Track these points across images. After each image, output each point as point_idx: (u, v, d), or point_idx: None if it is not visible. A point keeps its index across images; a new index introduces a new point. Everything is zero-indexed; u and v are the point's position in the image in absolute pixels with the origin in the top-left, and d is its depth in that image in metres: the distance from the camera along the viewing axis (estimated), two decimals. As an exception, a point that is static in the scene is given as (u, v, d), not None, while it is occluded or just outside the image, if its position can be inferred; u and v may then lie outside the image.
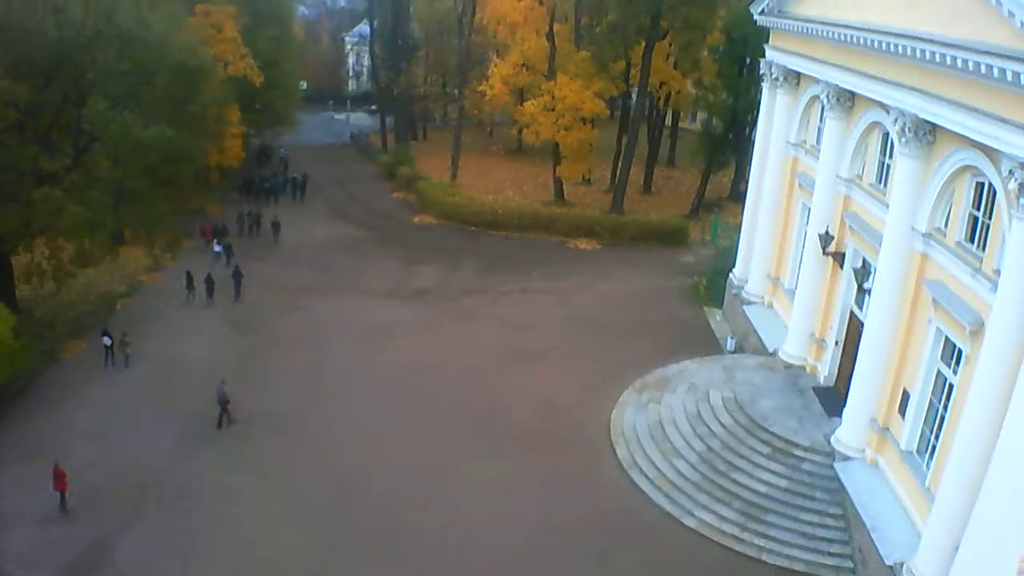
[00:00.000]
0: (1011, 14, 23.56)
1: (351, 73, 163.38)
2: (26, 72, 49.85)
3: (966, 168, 29.79)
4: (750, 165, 57.59)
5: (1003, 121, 25.23)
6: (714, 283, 62.56)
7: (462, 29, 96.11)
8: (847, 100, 39.83)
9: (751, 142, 72.76)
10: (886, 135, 36.75)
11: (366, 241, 76.68)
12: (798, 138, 49.29)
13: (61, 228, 49.31)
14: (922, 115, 31.03)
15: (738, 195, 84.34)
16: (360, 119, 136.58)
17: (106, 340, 50.23)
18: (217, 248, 70.80)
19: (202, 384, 45.86)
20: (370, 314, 59.04)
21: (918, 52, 29.86)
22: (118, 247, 59.28)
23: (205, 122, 65.47)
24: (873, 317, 35.43)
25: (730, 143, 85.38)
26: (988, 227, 29.03)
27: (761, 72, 53.58)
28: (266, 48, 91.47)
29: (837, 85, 40.08)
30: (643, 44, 78.52)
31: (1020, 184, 24.42)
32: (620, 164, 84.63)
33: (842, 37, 38.21)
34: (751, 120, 78.29)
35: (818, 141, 45.62)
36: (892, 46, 32.21)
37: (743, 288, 55.78)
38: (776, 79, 50.41)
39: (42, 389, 47.40)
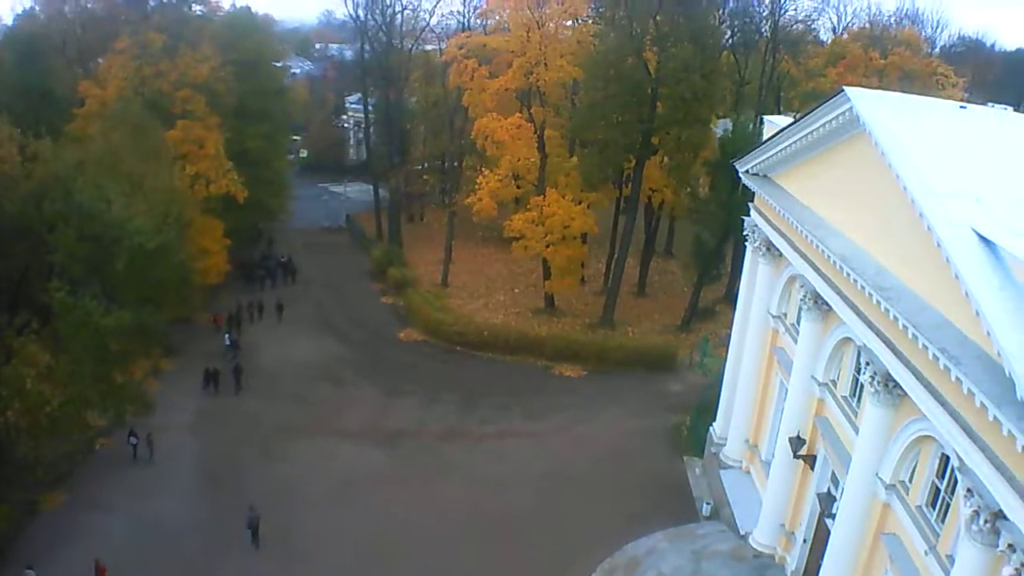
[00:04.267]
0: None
1: (352, 140, 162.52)
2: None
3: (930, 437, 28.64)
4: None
5: (955, 419, 24.61)
6: (697, 425, 61.00)
7: (452, 132, 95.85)
8: (824, 304, 38.47)
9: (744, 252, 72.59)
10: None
11: (348, 365, 75.01)
12: (779, 310, 48.00)
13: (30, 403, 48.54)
14: (889, 369, 29.94)
15: (733, 298, 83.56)
16: (358, 192, 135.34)
17: None
18: (227, 341, 73.89)
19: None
20: (342, 464, 57.67)
21: (882, 307, 28.96)
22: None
23: (171, 290, 64.57)
24: (837, 538, 34.23)
25: (723, 256, 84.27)
26: (948, 505, 27.90)
27: (744, 232, 52.53)
28: (255, 147, 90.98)
29: (813, 288, 38.93)
30: (633, 161, 77.95)
31: (974, 511, 23.36)
32: (612, 274, 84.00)
33: (812, 243, 37.28)
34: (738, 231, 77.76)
35: (798, 321, 44.22)
36: (856, 283, 31.33)
37: (721, 449, 54.36)
38: (758, 246, 49.31)
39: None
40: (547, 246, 79.35)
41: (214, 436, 61.42)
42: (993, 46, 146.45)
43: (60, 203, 50.69)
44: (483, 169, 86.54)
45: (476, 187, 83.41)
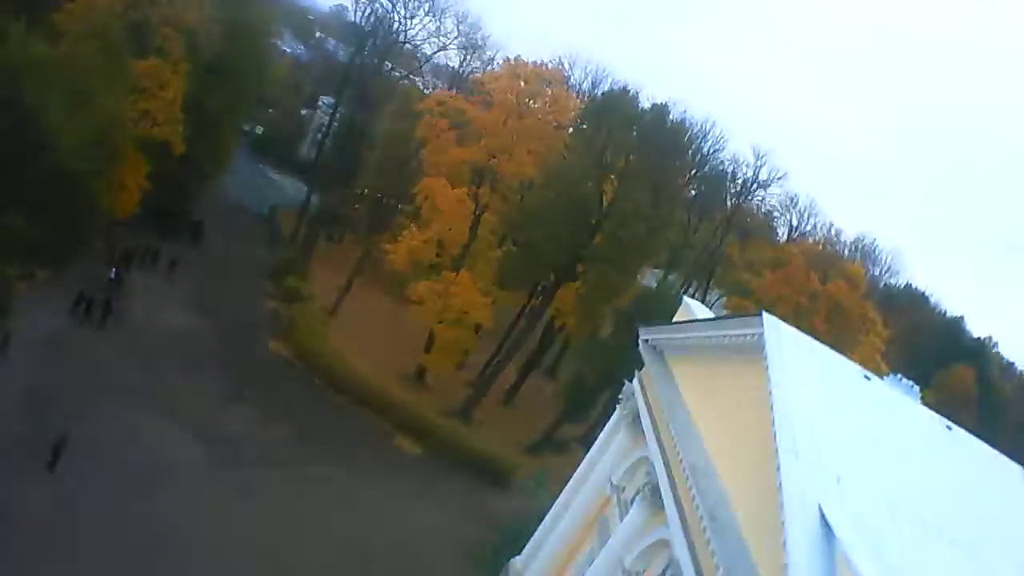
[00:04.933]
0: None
1: (309, 139, 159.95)
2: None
3: None
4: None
5: None
6: (501, 550, 59.88)
7: (401, 177, 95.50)
8: (658, 499, 37.85)
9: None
10: None
11: (208, 354, 73.46)
12: (620, 481, 47.42)
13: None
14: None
15: (590, 443, 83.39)
16: (293, 188, 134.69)
17: None
18: (112, 275, 74.52)
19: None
20: (164, 447, 56.47)
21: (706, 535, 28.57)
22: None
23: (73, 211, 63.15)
24: None
25: (596, 402, 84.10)
26: None
27: (619, 396, 52.17)
28: (218, 101, 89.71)
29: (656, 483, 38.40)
30: (553, 278, 77.88)
31: None
32: (487, 371, 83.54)
33: (673, 440, 36.96)
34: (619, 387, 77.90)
35: (632, 500, 43.61)
36: (693, 500, 30.94)
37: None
38: (626, 414, 48.92)
39: None
40: (439, 322, 79.09)
41: (55, 362, 60.11)
42: (935, 307, 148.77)
43: (4, 91, 49.56)
44: (412, 224, 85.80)
45: (399, 238, 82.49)
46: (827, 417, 29.51)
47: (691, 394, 40.49)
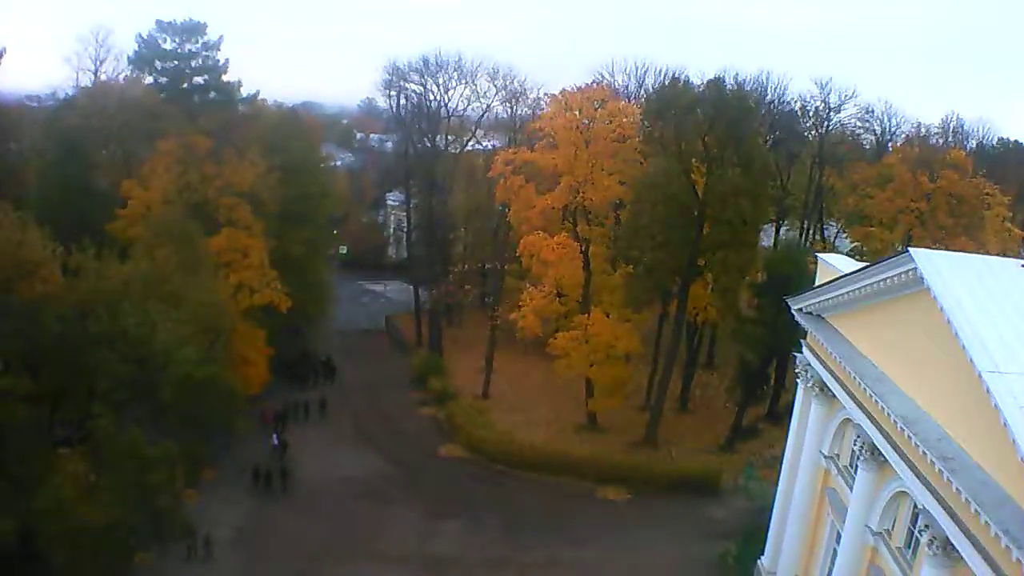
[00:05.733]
0: None
1: (391, 238, 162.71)
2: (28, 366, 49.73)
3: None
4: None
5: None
6: (744, 554, 59.85)
7: (496, 244, 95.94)
8: (881, 457, 37.81)
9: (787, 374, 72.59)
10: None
11: (389, 482, 74.58)
12: (831, 451, 47.31)
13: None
14: (949, 536, 29.42)
15: (776, 416, 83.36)
16: (397, 291, 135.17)
17: None
18: (275, 441, 75.75)
19: None
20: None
21: (944, 477, 28.62)
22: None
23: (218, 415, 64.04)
24: None
25: (767, 377, 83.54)
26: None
27: (796, 370, 52.13)
28: (299, 243, 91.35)
29: (871, 440, 38.37)
30: (679, 283, 77.70)
31: None
32: (655, 392, 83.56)
33: (872, 399, 36.88)
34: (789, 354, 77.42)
35: (852, 463, 43.51)
36: (918, 449, 31.00)
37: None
38: (810, 386, 48.84)
39: None
40: (591, 365, 79.09)
41: (253, 554, 61.05)
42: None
43: (105, 324, 50.64)
44: (526, 283, 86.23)
45: (520, 303, 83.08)
46: (1007, 319, 29.42)
47: (866, 345, 40.48)
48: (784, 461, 53.88)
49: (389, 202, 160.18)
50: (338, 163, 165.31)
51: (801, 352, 51.15)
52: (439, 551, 63.18)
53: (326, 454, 78.21)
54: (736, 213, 72.00)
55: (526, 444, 79.68)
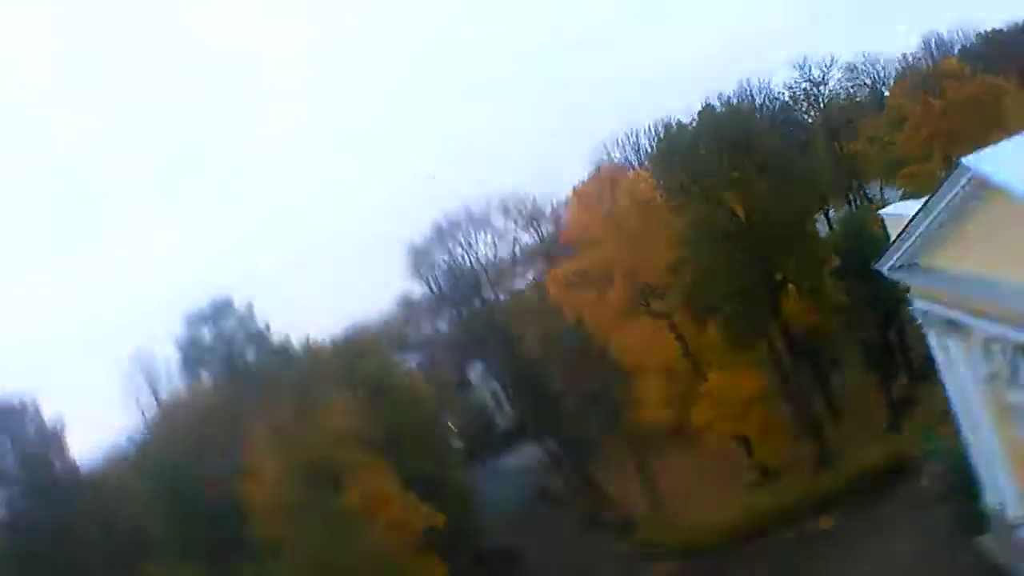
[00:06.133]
0: None
1: (492, 408, 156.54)
2: None
3: None
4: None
5: None
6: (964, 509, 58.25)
7: (592, 364, 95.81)
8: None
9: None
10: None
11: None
12: (989, 372, 46.82)
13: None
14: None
15: (920, 376, 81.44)
16: (524, 458, 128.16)
17: None
18: None
19: None
20: None
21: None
22: None
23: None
24: None
25: (892, 348, 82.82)
26: None
27: (917, 320, 52.11)
28: (418, 461, 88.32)
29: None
30: (767, 305, 77.65)
31: None
32: (801, 420, 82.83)
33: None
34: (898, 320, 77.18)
35: (1013, 372, 43.30)
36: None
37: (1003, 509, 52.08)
38: (938, 328, 48.76)
39: None
40: (738, 424, 79.05)
41: None
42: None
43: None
44: (639, 379, 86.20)
45: (641, 403, 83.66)
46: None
47: (970, 262, 40.59)
48: (954, 408, 53.24)
49: (472, 378, 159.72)
50: (410, 365, 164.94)
51: (912, 304, 51.18)
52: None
53: None
54: (782, 219, 72.72)
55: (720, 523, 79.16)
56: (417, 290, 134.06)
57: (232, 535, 73.68)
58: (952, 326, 47.00)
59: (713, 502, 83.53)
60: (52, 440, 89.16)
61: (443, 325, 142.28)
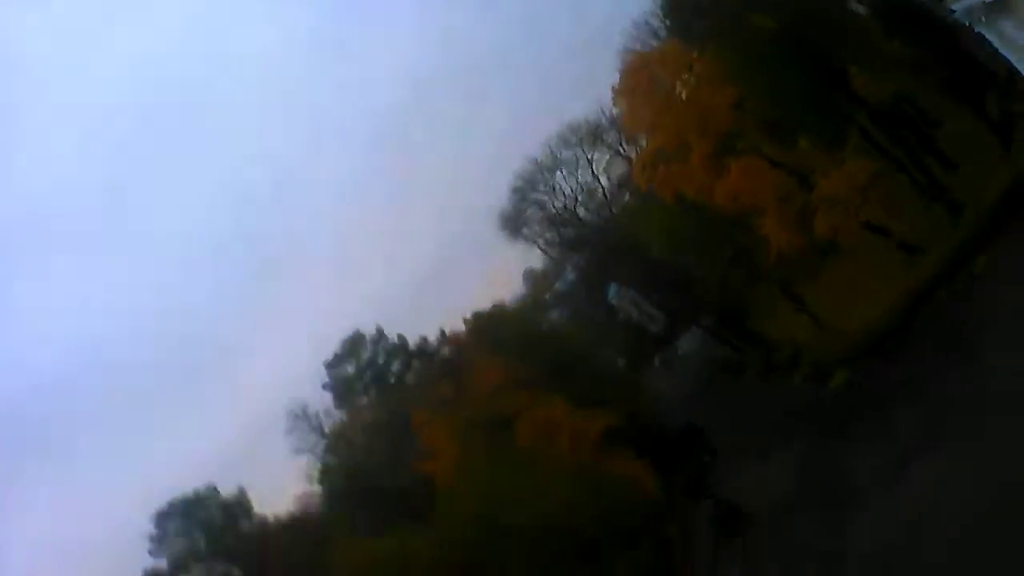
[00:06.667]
0: None
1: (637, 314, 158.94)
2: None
3: None
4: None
5: None
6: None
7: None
8: None
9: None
10: None
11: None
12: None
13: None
14: None
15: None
16: (687, 346, 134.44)
17: None
18: None
19: None
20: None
21: None
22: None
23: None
24: None
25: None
26: None
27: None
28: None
29: None
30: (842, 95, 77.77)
31: None
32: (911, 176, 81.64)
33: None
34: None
35: None
36: None
37: None
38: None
39: None
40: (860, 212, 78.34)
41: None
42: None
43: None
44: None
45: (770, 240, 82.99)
46: None
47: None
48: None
49: (612, 302, 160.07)
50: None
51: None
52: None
53: None
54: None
55: None
56: (534, 259, 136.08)
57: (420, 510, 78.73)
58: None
59: (872, 300, 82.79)
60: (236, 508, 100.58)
61: (570, 274, 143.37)
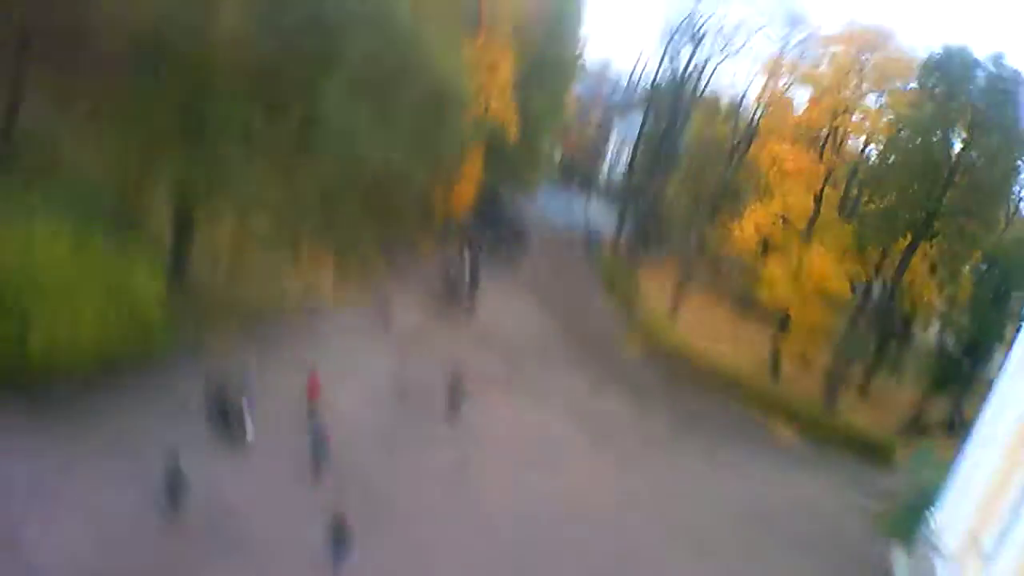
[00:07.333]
0: None
1: (608, 163, 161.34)
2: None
3: None
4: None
5: None
6: (907, 517, 56.62)
7: (731, 160, 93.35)
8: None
9: (980, 378, 70.56)
10: None
11: (562, 346, 74.50)
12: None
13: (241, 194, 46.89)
14: None
15: (952, 427, 78.93)
16: (598, 212, 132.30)
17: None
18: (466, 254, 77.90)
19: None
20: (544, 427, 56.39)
21: None
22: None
23: (441, 158, 61.58)
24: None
25: (962, 372, 79.56)
26: None
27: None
28: (535, 107, 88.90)
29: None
30: (908, 238, 74.48)
31: None
32: (842, 353, 79.70)
33: None
34: (988, 354, 74.34)
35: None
36: None
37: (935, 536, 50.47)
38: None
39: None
40: (796, 301, 76.85)
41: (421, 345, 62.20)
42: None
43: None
44: (756, 201, 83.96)
45: (743, 215, 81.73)
46: None
47: None
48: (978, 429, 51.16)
49: (615, 125, 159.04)
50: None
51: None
52: (599, 407, 63.19)
53: (505, 302, 79.00)
54: (987, 182, 70.45)
55: (708, 355, 78.53)
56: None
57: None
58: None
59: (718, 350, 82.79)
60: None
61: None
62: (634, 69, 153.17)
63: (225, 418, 41.61)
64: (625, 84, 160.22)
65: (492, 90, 78.26)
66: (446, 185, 75.43)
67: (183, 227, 51.63)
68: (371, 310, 62.21)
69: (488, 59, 77.39)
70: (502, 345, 68.64)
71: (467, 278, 76.21)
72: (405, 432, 48.72)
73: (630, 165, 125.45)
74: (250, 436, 41.41)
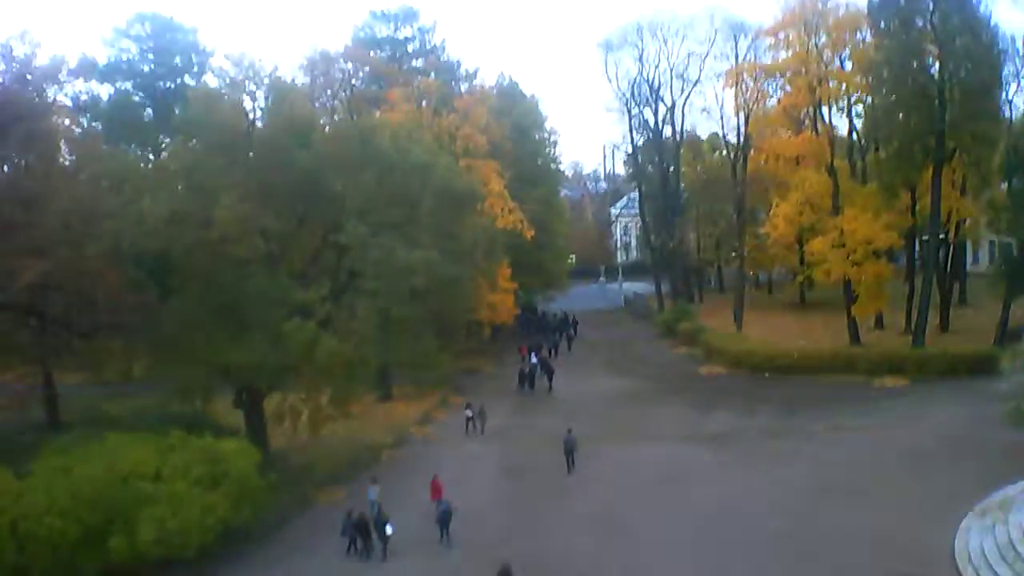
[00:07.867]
0: None
1: (619, 245, 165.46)
2: (276, 201, 50.51)
3: None
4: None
5: None
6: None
7: (735, 176, 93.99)
8: None
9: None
10: None
11: (650, 393, 75.18)
12: None
13: (317, 363, 47.48)
14: None
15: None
16: (632, 287, 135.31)
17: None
18: (533, 360, 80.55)
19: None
20: (660, 459, 56.20)
21: None
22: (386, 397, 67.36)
23: (473, 256, 62.77)
24: None
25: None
26: None
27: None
28: (534, 209, 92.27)
29: None
30: (931, 168, 74.44)
31: None
32: (920, 295, 79.11)
33: None
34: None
35: None
36: None
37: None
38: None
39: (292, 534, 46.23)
40: (853, 265, 76.85)
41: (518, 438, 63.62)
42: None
43: (358, 148, 52.60)
44: (776, 199, 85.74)
45: (771, 216, 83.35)
46: None
47: None
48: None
49: (612, 211, 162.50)
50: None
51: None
52: (714, 430, 62.58)
53: (579, 379, 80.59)
54: (977, 81, 70.41)
55: (793, 348, 79.58)
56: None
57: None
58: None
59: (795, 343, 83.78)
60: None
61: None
62: (605, 157, 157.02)
63: (366, 535, 42.97)
64: (603, 174, 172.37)
65: (492, 203, 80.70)
66: (486, 289, 76.60)
67: (252, 410, 54.34)
68: (462, 423, 64.18)
69: (477, 178, 78.78)
70: (593, 406, 70.69)
71: (539, 371, 78.07)
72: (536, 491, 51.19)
73: (643, 228, 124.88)
74: (390, 530, 42.70)
